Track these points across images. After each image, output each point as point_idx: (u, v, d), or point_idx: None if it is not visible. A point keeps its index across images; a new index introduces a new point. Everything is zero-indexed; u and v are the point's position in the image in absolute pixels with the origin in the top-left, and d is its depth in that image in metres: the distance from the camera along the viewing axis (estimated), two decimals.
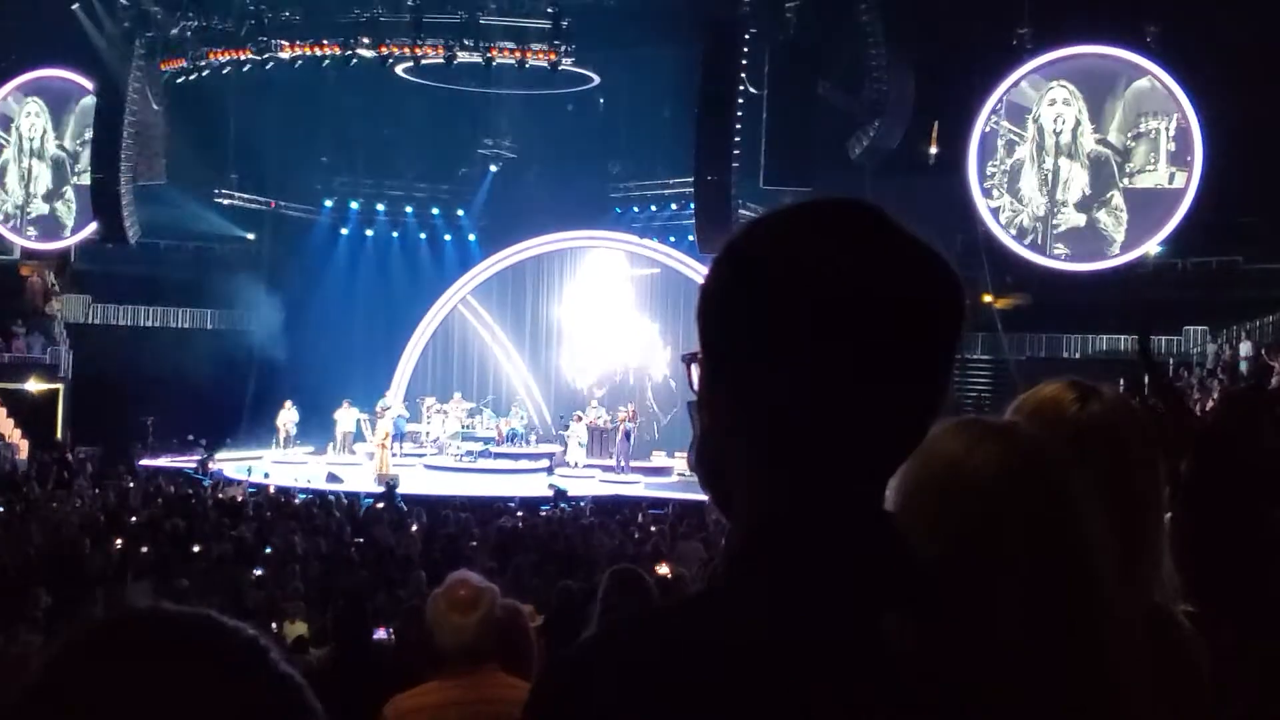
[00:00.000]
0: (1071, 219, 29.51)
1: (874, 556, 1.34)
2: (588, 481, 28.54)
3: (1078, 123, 29.30)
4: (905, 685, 1.29)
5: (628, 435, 30.64)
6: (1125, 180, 29.16)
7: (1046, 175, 29.59)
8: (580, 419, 31.54)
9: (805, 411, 1.33)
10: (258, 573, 16.07)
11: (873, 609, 1.31)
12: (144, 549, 17.30)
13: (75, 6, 30.52)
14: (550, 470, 29.91)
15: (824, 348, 1.31)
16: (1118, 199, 29.12)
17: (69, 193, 35.70)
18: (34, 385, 33.31)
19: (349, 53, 30.05)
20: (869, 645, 1.29)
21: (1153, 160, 28.99)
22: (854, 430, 1.34)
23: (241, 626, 1.18)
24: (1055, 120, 29.41)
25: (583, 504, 24.08)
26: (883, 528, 1.38)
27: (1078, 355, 29.91)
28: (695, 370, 1.43)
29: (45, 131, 35.87)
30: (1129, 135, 29.09)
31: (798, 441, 1.35)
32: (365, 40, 29.85)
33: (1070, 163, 29.41)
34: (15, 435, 31.81)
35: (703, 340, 1.41)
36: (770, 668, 1.25)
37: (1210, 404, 21.03)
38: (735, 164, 28.10)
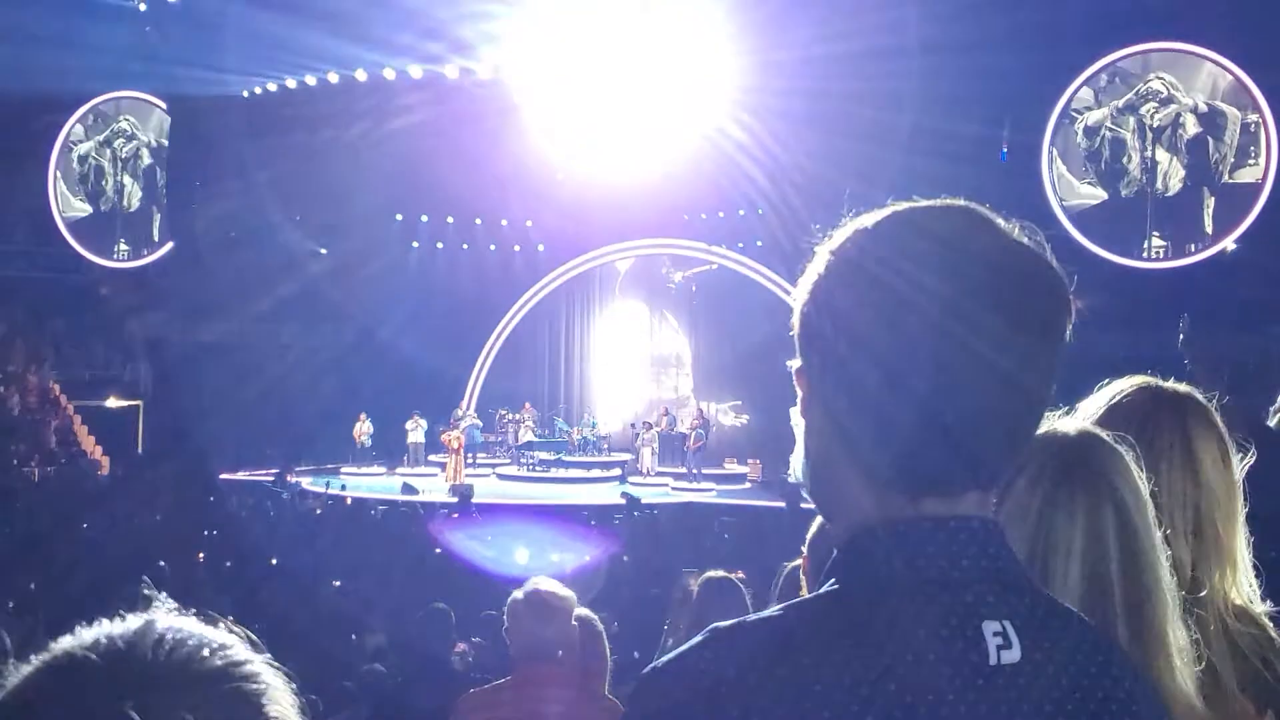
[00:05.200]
0: (1169, 211, 28.92)
1: (977, 565, 1.33)
2: (660, 489, 28.51)
3: (1178, 115, 28.76)
4: (1010, 695, 1.28)
5: (699, 441, 30.59)
6: (1226, 174, 28.56)
7: (1144, 167, 29.04)
8: (650, 426, 31.53)
9: (906, 418, 1.31)
10: (336, 584, 16.22)
11: (976, 619, 1.29)
12: (226, 563, 17.51)
13: (148, 29, 30.97)
14: (623, 478, 29.92)
15: (924, 354, 1.30)
16: (1212, 195, 28.51)
17: (158, 209, 36.01)
18: (113, 401, 33.84)
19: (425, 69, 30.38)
20: (973, 656, 1.28)
21: (1254, 154, 28.37)
22: (956, 436, 1.32)
23: (246, 660, 1.13)
24: (1152, 115, 28.89)
25: (656, 512, 24.07)
26: (987, 535, 1.36)
27: (1157, 354, 29.39)
28: (797, 380, 1.42)
29: (138, 149, 36.30)
30: (1231, 129, 28.49)
31: (898, 449, 1.33)
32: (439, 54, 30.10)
33: (1169, 155, 28.85)
34: (96, 451, 32.34)
35: (801, 346, 1.40)
36: (875, 682, 1.24)
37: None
38: None
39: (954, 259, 1.31)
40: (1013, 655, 1.29)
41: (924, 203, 1.39)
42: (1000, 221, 1.37)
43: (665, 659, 1.34)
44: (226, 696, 1.08)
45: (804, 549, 3.80)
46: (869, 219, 1.39)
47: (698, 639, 1.32)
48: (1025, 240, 1.37)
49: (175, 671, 1.07)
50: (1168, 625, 1.67)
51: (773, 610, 1.34)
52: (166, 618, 1.13)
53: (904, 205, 1.39)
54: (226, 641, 1.13)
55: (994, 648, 1.29)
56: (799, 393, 1.42)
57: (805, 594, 3.94)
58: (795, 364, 1.41)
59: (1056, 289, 1.36)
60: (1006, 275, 1.32)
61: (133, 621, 1.12)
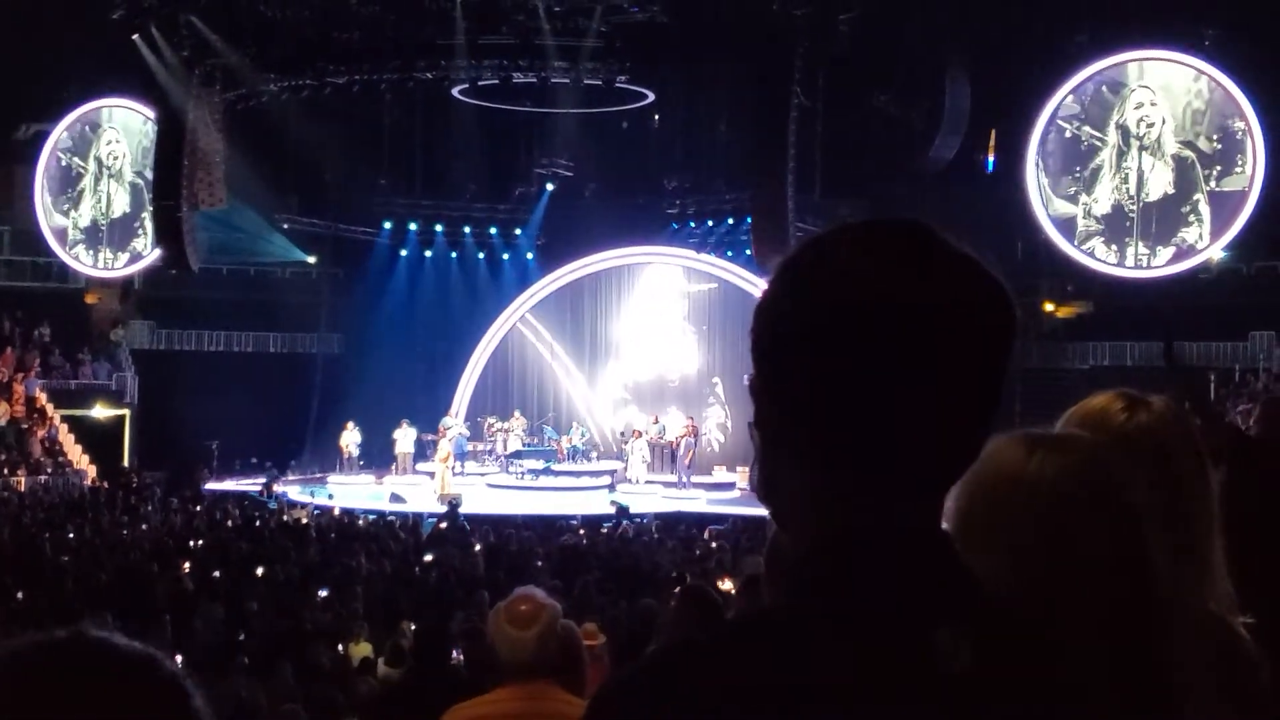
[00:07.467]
0: (1153, 220, 28.83)
1: (926, 575, 1.35)
2: (650, 498, 28.51)
3: (1163, 122, 28.68)
4: (960, 704, 1.29)
5: (688, 450, 30.62)
6: (1211, 183, 28.44)
7: (1127, 176, 28.96)
8: (640, 435, 31.53)
9: (854, 430, 1.34)
10: (323, 594, 16.18)
11: (925, 628, 1.31)
12: (214, 573, 17.46)
13: (135, 36, 30.84)
14: (612, 487, 29.90)
15: (871, 367, 1.32)
16: (1202, 203, 28.42)
17: (146, 219, 35.46)
18: (100, 411, 33.75)
19: (406, 76, 30.31)
20: (923, 665, 1.29)
21: (1240, 163, 28.26)
22: (904, 448, 1.35)
23: (171, 670, 1.20)
24: (1139, 123, 28.80)
25: (645, 520, 24.05)
26: (936, 545, 1.39)
27: (1142, 363, 29.49)
28: (751, 392, 1.44)
29: (125, 158, 36.02)
30: (1215, 137, 28.43)
31: (847, 460, 1.36)
32: (421, 63, 30.06)
33: (1154, 160, 28.75)
34: (83, 461, 32.24)
35: (755, 358, 1.43)
36: (825, 692, 1.27)
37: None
38: (791, 177, 28.02)
39: (899, 273, 1.34)
40: (964, 664, 1.30)
41: (875, 218, 1.41)
42: (948, 238, 1.39)
43: (620, 674, 1.37)
44: (158, 688, 1.17)
45: (761, 558, 3.82)
46: (820, 233, 1.42)
47: (652, 653, 1.34)
48: (973, 256, 1.39)
49: (114, 665, 1.15)
50: (1168, 625, 1.68)
51: (729, 626, 1.36)
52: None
53: (855, 220, 1.42)
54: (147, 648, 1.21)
55: (945, 656, 1.29)
56: (754, 405, 1.43)
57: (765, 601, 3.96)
58: (750, 376, 1.43)
59: (1004, 307, 1.39)
60: (952, 293, 1.35)
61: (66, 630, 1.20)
